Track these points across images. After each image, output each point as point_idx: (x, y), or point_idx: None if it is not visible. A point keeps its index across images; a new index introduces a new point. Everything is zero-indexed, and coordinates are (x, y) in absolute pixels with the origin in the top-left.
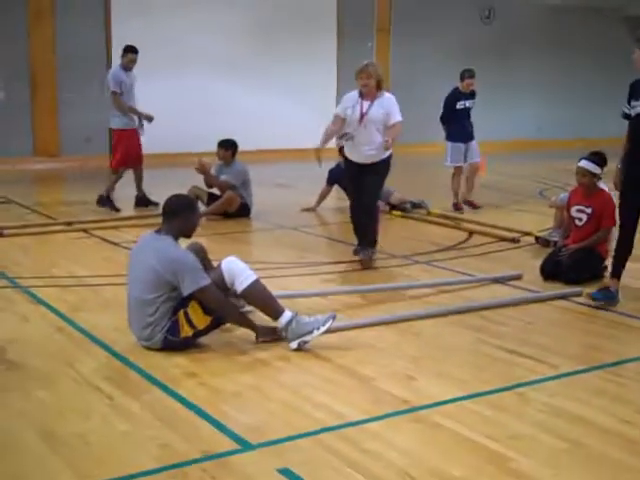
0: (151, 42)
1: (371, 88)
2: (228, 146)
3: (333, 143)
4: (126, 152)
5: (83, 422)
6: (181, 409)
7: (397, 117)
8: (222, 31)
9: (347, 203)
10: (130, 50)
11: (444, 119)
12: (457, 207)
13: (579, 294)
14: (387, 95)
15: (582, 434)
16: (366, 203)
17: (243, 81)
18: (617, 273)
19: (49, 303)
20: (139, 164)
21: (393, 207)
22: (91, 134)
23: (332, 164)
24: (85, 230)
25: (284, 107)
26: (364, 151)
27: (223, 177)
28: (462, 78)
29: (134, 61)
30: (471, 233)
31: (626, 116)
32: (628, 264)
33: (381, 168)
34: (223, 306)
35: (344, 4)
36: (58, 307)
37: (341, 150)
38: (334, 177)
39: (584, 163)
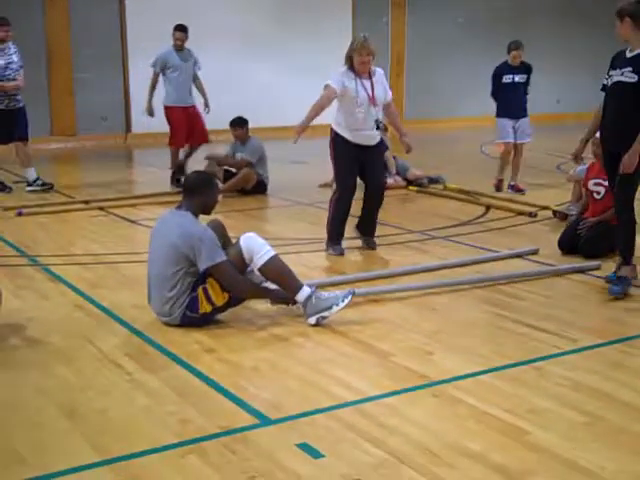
0: (165, 18)
1: (368, 66)
2: (242, 124)
3: (325, 119)
4: (171, 129)
5: (103, 398)
6: (200, 385)
7: (390, 92)
8: (236, 7)
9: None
10: (175, 28)
11: (493, 94)
12: (497, 187)
13: (597, 268)
14: (378, 70)
15: (601, 408)
16: (380, 184)
17: (257, 57)
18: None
19: (68, 281)
20: (178, 144)
21: (410, 182)
22: (107, 113)
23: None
24: (102, 208)
25: (298, 84)
26: (369, 132)
27: (239, 155)
28: (508, 50)
29: (180, 39)
30: (488, 207)
31: (604, 87)
32: None
33: (382, 147)
34: (237, 284)
35: None
36: (77, 285)
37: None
38: None
39: (598, 134)
